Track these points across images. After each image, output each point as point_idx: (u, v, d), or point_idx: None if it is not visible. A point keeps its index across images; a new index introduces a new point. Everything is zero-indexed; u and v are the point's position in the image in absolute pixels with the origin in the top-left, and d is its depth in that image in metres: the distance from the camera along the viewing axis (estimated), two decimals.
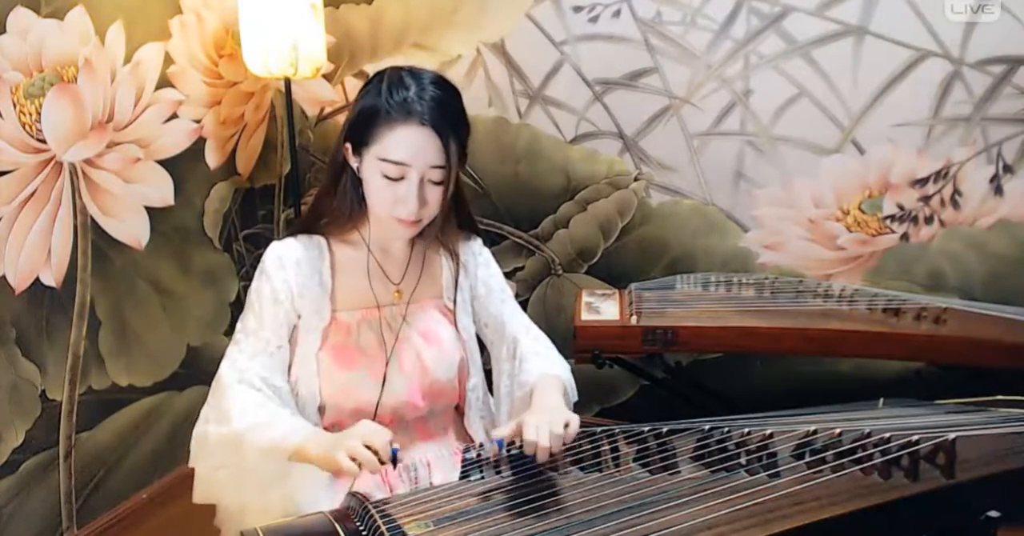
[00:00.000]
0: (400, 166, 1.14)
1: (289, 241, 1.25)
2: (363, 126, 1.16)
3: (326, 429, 1.26)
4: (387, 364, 1.25)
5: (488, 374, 1.39)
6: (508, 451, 1.09)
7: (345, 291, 1.26)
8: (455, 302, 1.32)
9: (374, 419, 1.24)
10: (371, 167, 1.16)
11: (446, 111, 1.15)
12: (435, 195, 1.17)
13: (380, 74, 1.19)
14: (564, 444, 1.06)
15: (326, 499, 1.15)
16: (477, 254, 1.36)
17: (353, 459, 1.02)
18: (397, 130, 1.13)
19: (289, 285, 1.21)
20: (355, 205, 1.24)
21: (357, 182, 1.22)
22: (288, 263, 1.22)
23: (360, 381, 1.24)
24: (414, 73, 1.17)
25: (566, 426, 1.06)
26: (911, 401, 1.63)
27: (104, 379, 1.96)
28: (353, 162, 1.20)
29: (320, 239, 1.26)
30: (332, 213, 1.25)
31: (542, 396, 1.16)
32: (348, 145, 1.20)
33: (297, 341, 1.25)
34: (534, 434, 1.03)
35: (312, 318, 1.23)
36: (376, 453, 1.02)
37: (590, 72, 2.20)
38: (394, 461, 1.04)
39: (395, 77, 1.16)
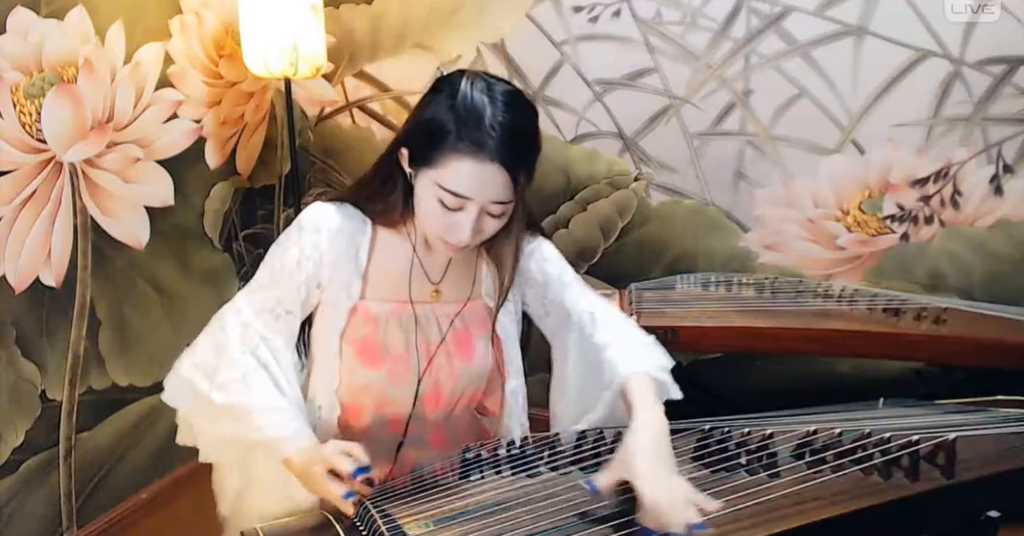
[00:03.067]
0: (460, 198, 1.04)
1: (331, 208, 1.16)
2: (426, 142, 1.05)
3: (341, 420, 1.22)
4: (420, 374, 1.20)
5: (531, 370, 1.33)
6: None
7: (379, 277, 1.19)
8: (497, 305, 1.24)
9: (404, 432, 1.21)
10: (427, 189, 1.07)
11: (519, 142, 1.05)
12: (490, 225, 1.09)
13: (452, 81, 1.07)
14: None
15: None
16: (525, 245, 1.25)
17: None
18: (464, 162, 1.02)
19: (320, 252, 1.15)
20: (401, 206, 1.17)
21: (408, 186, 1.13)
22: (325, 230, 1.15)
23: (379, 382, 1.19)
24: (490, 88, 1.05)
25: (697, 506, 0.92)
26: (911, 401, 1.63)
27: (104, 379, 1.96)
28: (407, 169, 1.11)
29: (364, 216, 1.19)
30: (376, 207, 1.18)
31: (645, 425, 1.01)
32: (405, 151, 1.11)
33: (317, 320, 1.20)
34: (652, 499, 0.92)
35: (339, 294, 1.17)
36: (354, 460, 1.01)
37: (590, 72, 2.20)
38: (368, 481, 1.02)
39: (469, 91, 1.05)
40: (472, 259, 1.25)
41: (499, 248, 1.21)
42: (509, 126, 1.03)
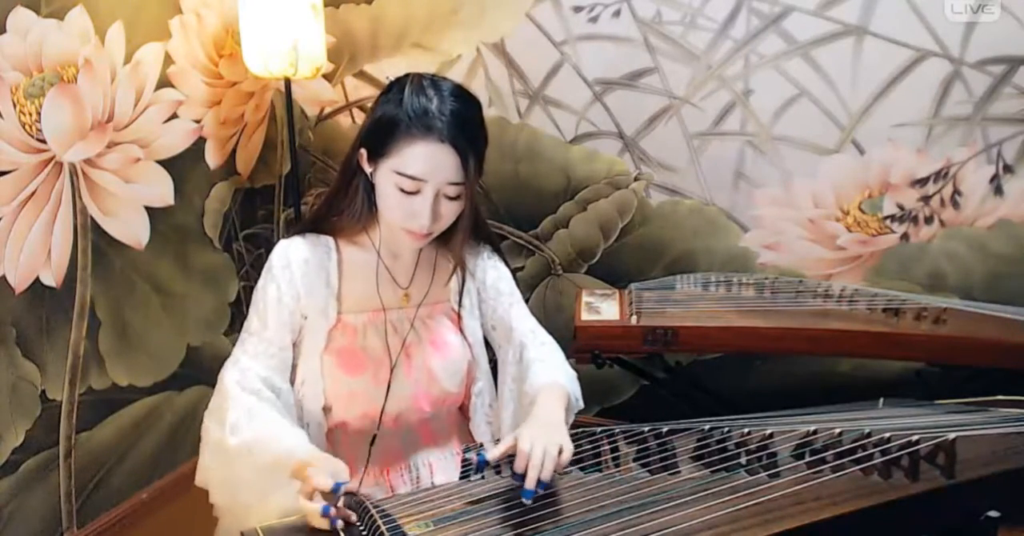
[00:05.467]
0: (416, 181, 1.12)
1: (296, 240, 1.24)
2: (381, 135, 1.14)
3: (331, 430, 1.26)
4: (392, 370, 1.24)
5: (494, 373, 1.37)
6: (496, 471, 1.06)
7: (352, 293, 1.25)
8: (460, 305, 1.32)
9: (379, 424, 1.24)
10: (386, 178, 1.15)
11: (466, 127, 1.14)
12: (449, 210, 1.16)
13: (400, 81, 1.17)
14: (555, 471, 1.00)
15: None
16: (486, 258, 1.34)
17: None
18: (416, 145, 1.11)
19: (295, 286, 1.21)
20: (366, 208, 1.23)
21: (369, 186, 1.21)
22: (295, 263, 1.21)
23: (365, 387, 1.23)
24: (436, 83, 1.15)
25: (560, 452, 1.01)
26: (911, 401, 1.63)
27: (104, 379, 1.96)
28: (367, 167, 1.19)
29: (328, 239, 1.25)
30: (342, 214, 1.24)
31: (542, 408, 1.12)
32: (364, 151, 1.18)
33: (302, 342, 1.24)
34: (528, 446, 0.99)
35: (318, 318, 1.22)
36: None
37: (590, 72, 2.20)
38: (336, 497, 0.99)
39: (416, 86, 1.14)
40: (440, 263, 1.31)
41: (459, 247, 1.27)
42: (455, 111, 1.13)
